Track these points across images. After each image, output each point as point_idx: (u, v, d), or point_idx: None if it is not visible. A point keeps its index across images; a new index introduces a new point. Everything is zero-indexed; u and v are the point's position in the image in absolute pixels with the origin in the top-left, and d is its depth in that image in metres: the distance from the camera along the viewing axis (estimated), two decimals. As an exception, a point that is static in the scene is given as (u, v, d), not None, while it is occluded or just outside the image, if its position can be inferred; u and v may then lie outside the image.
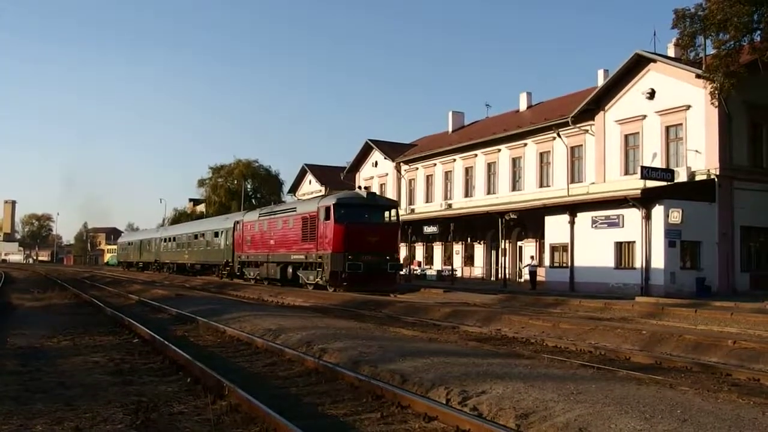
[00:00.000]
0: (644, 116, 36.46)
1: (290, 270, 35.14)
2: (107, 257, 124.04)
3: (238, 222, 43.91)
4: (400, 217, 37.49)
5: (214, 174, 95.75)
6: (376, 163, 61.28)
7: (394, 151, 59.78)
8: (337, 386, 9.07)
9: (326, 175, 71.00)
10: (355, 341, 12.17)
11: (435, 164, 53.80)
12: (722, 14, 29.73)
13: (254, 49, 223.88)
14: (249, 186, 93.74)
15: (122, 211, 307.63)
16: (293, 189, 78.00)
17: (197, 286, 39.12)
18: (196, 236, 54.67)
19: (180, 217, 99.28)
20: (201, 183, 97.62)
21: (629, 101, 37.51)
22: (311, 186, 72.87)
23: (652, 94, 36.03)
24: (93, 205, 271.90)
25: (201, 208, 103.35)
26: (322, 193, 63.48)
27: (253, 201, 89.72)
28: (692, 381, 9.69)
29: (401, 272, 36.24)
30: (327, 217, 31.07)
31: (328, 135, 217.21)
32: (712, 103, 31.87)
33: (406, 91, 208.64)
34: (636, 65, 37.15)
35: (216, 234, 49.42)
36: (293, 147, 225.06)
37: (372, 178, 60.46)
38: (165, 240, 64.12)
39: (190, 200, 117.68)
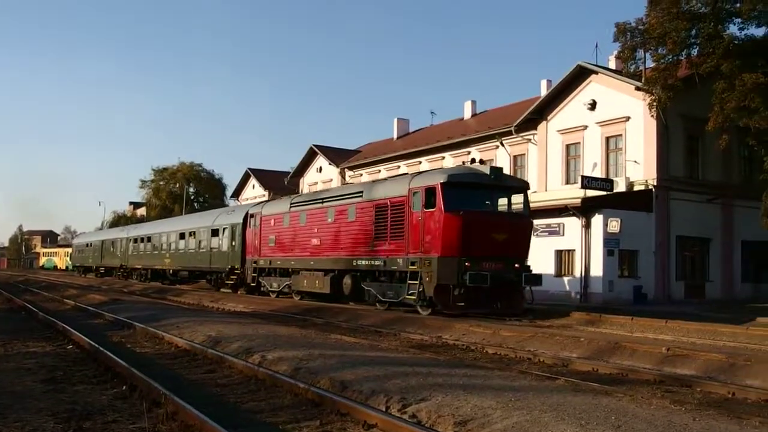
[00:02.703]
0: (585, 126, 37.14)
1: (349, 281, 25.09)
2: (43, 260, 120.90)
3: (252, 215, 33.04)
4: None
5: (157, 176, 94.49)
6: (321, 169, 61.16)
7: (338, 156, 59.77)
8: (276, 394, 8.99)
9: (270, 179, 70.63)
10: (296, 348, 12.09)
11: (380, 170, 53.88)
12: (661, 29, 30.50)
13: (198, 57, 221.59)
14: (192, 189, 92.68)
15: (60, 214, 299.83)
16: (236, 193, 77.35)
17: (136, 291, 38.43)
18: (182, 235, 43.25)
19: (119, 220, 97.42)
20: (143, 184, 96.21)
21: (571, 111, 38.16)
22: (254, 191, 72.35)
23: (593, 105, 36.72)
24: (31, 207, 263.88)
25: (142, 211, 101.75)
26: (265, 196, 63.07)
27: (195, 204, 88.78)
28: (627, 388, 9.87)
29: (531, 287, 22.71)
30: (430, 204, 20.93)
31: (273, 140, 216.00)
32: (651, 115, 32.63)
33: (352, 97, 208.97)
34: (578, 76, 37.83)
35: (215, 232, 37.94)
36: (237, 151, 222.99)
37: (316, 183, 60.27)
38: (135, 240, 52.76)
39: (131, 203, 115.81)
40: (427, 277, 20.66)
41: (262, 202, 36.36)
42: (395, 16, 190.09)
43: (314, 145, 61.69)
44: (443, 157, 47.34)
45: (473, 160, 22.92)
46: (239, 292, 33.94)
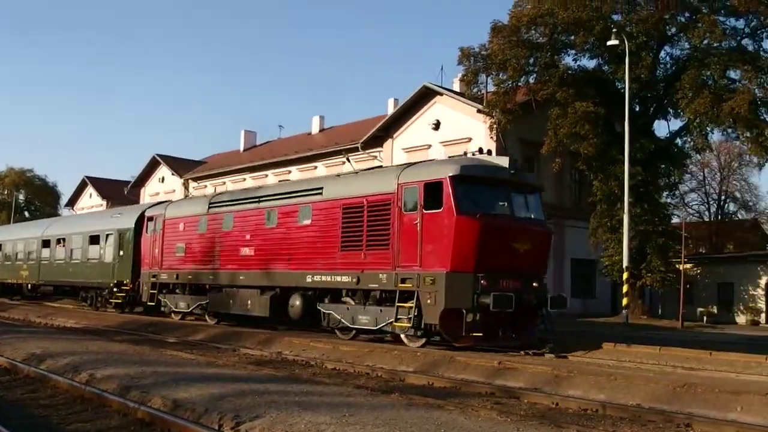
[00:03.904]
0: (429, 146, 38.21)
1: (298, 302, 19.65)
2: None
3: (150, 218, 26.96)
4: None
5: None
6: (163, 179, 59.64)
7: (182, 167, 58.48)
8: (104, 414, 8.63)
9: (109, 188, 68.01)
10: (128, 365, 11.65)
11: (225, 183, 53.10)
12: (502, 56, 32.09)
13: (33, 58, 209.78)
14: (21, 197, 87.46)
15: None
16: (71, 202, 73.82)
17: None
18: (46, 243, 35.47)
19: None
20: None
21: (416, 131, 39.20)
22: (92, 200, 69.38)
23: (437, 125, 37.91)
24: None
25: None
26: (103, 206, 60.58)
27: (26, 213, 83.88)
28: (459, 401, 10.15)
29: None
30: (432, 203, 16.12)
31: (112, 147, 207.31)
32: (490, 137, 34.07)
33: (198, 107, 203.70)
34: (424, 97, 38.98)
35: (94, 239, 31.15)
36: (74, 158, 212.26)
37: (158, 194, 58.55)
38: None
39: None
40: (429, 299, 15.81)
41: (164, 201, 30.12)
42: (237, 19, 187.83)
43: (157, 154, 60.09)
44: (290, 171, 47.36)
45: (480, 150, 18.40)
46: (126, 310, 28.94)
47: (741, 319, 41.12)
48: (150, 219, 26.92)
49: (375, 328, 17.39)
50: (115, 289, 28.80)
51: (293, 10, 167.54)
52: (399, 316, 16.47)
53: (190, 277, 24.16)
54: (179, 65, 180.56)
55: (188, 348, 17.15)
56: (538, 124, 32.83)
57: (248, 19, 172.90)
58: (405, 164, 18.56)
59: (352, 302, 18.22)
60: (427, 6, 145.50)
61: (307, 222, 19.56)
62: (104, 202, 64.93)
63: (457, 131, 37.03)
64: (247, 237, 21.75)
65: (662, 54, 34.74)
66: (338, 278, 18.32)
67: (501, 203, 16.93)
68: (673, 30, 33.58)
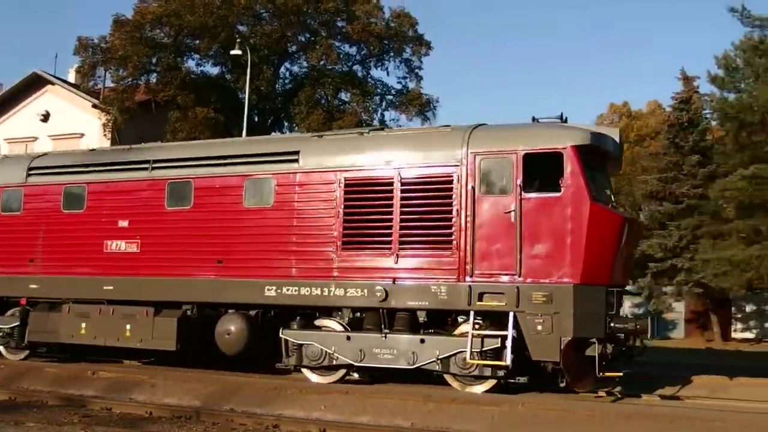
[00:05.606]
0: (36, 138, 35.43)
1: (240, 327, 12.63)
2: None
3: None
4: None
5: None
6: None
7: None
8: None
9: None
10: None
11: None
12: (123, 51, 30.93)
13: None
14: None
15: None
16: None
17: None
18: None
19: None
20: None
21: (22, 120, 36.26)
22: None
23: (46, 117, 35.31)
24: None
25: None
26: None
27: None
28: (44, 415, 9.37)
29: None
30: (542, 184, 11.33)
31: None
32: (105, 135, 32.50)
33: None
34: (33, 84, 36.15)
35: None
36: None
37: None
38: None
39: None
40: (540, 325, 10.80)
41: None
42: None
43: None
44: None
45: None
46: None
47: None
48: None
49: (412, 366, 11.56)
50: None
51: None
52: (476, 351, 11.07)
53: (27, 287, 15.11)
54: None
55: None
56: (158, 125, 32.10)
57: None
58: (474, 125, 12.39)
59: (367, 327, 12.19)
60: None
61: (267, 204, 12.98)
62: None
63: (69, 125, 34.77)
64: (123, 224, 14.13)
65: (283, 69, 36.28)
66: (338, 292, 12.15)
67: (606, 189, 12.41)
68: (294, 48, 35.20)
